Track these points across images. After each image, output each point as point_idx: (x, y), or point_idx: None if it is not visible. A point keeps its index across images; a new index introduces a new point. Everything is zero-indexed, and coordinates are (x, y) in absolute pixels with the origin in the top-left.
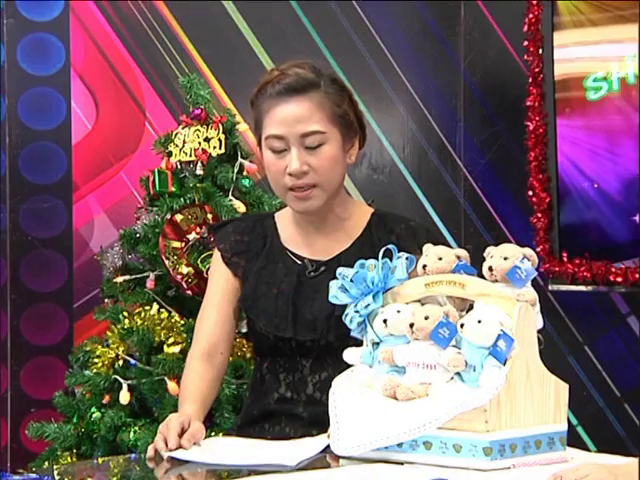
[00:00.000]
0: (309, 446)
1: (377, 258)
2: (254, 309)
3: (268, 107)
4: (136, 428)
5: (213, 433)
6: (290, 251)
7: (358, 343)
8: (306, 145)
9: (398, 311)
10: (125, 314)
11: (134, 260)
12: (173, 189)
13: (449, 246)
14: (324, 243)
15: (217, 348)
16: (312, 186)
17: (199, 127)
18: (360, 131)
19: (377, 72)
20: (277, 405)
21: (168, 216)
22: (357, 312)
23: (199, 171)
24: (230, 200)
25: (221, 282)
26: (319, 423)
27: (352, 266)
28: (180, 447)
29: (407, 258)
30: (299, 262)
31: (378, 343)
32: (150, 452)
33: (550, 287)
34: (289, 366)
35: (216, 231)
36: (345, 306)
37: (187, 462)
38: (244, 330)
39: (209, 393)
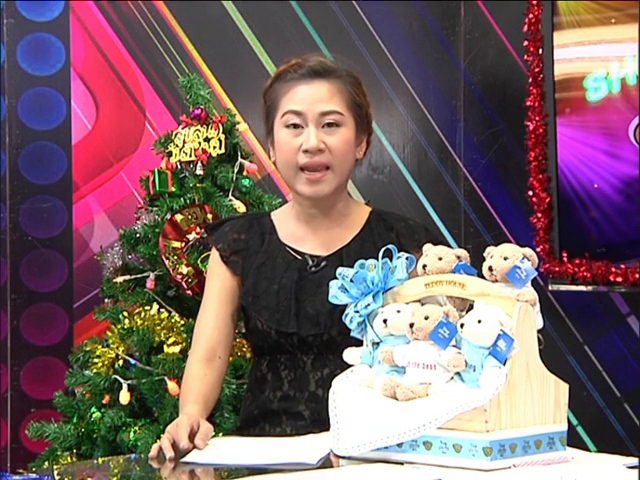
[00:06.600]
0: (322, 442)
1: (377, 254)
2: (255, 305)
3: (288, 88)
4: (136, 428)
5: (213, 433)
6: (289, 247)
7: (359, 339)
8: (324, 123)
9: (398, 311)
10: (125, 314)
11: (134, 260)
12: (173, 189)
13: (449, 246)
14: (324, 239)
15: (216, 352)
16: (325, 167)
17: (199, 127)
18: (368, 130)
19: (377, 72)
20: (279, 404)
21: (168, 216)
22: (357, 312)
23: (199, 171)
24: (230, 200)
25: (219, 283)
26: (321, 421)
27: (353, 261)
28: (194, 448)
29: (407, 258)
30: (299, 257)
31: (378, 343)
32: (154, 451)
33: (550, 287)
34: (290, 363)
35: (213, 231)
36: (346, 305)
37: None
38: (244, 330)
39: (210, 395)
